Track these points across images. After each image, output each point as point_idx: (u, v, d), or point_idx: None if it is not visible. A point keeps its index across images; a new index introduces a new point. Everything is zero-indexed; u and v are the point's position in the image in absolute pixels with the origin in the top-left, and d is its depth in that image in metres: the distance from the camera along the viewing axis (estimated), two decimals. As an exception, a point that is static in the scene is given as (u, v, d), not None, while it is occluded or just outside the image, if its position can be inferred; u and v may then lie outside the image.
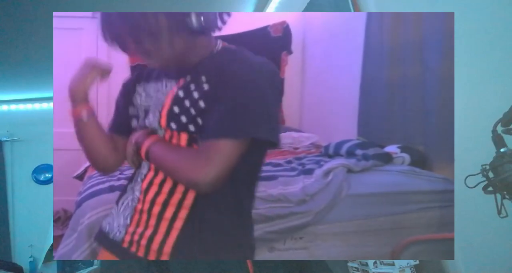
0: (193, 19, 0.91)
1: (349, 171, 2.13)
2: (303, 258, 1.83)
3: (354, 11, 2.07)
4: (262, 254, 1.83)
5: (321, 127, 3.65)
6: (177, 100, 0.94)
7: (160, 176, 0.95)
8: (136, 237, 0.95)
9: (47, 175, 4.27)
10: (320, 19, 3.74)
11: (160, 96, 0.99)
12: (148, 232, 0.94)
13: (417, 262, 1.79)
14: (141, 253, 0.93)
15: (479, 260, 1.51)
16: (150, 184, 0.96)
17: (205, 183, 0.83)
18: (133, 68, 3.55)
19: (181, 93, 0.94)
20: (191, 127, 0.92)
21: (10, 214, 4.10)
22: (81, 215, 1.79)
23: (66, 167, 3.70)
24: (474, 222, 1.49)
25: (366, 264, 1.84)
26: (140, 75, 1.08)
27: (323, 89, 3.69)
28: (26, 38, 2.92)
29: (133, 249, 0.95)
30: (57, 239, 2.95)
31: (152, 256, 0.93)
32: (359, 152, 2.40)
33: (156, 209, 0.94)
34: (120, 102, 1.09)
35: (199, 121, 0.91)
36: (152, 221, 0.94)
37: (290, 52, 4.09)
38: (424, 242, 1.75)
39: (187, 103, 0.93)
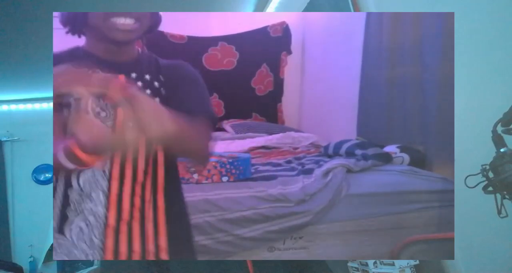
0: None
1: (349, 171, 2.13)
2: (303, 258, 1.83)
3: (354, 11, 2.07)
4: (262, 254, 1.83)
5: (321, 127, 3.65)
6: None
7: (128, 180, 0.94)
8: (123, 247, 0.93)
9: (47, 175, 4.27)
10: (320, 19, 3.74)
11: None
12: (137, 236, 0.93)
13: (417, 262, 1.79)
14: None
15: (479, 260, 1.51)
16: (121, 192, 0.93)
17: None
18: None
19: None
20: None
21: (10, 214, 4.10)
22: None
23: (66, 167, 3.69)
24: (474, 222, 1.49)
25: (366, 264, 1.84)
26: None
27: (323, 89, 3.69)
28: (26, 38, 2.92)
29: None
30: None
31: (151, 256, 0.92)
32: (358, 152, 2.40)
33: (137, 215, 0.93)
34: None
35: None
36: (137, 228, 0.93)
37: (289, 52, 4.09)
38: (424, 242, 1.75)
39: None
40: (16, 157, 4.25)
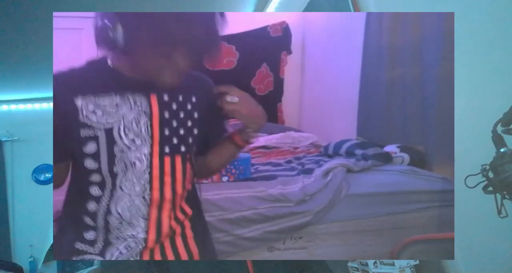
0: None
1: (349, 171, 2.13)
2: (303, 258, 1.83)
3: (354, 11, 2.07)
4: (262, 254, 1.83)
5: (321, 127, 3.65)
6: (165, 122, 0.92)
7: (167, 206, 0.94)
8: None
9: (47, 175, 4.26)
10: (320, 19, 3.74)
11: (125, 112, 0.89)
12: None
13: (417, 262, 1.79)
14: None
15: (479, 260, 1.51)
16: (160, 216, 0.94)
17: None
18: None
19: (166, 114, 0.92)
20: (183, 148, 0.93)
21: (10, 214, 4.09)
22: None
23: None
24: (474, 222, 1.48)
25: (366, 264, 1.84)
26: (75, 87, 0.89)
27: (323, 89, 3.69)
28: (26, 38, 2.92)
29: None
30: (57, 239, 2.94)
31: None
32: (358, 152, 2.40)
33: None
34: (57, 124, 0.89)
35: (190, 140, 0.94)
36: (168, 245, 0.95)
37: (289, 52, 4.09)
38: (424, 242, 1.75)
39: (174, 123, 0.93)
40: (16, 157, 4.25)
